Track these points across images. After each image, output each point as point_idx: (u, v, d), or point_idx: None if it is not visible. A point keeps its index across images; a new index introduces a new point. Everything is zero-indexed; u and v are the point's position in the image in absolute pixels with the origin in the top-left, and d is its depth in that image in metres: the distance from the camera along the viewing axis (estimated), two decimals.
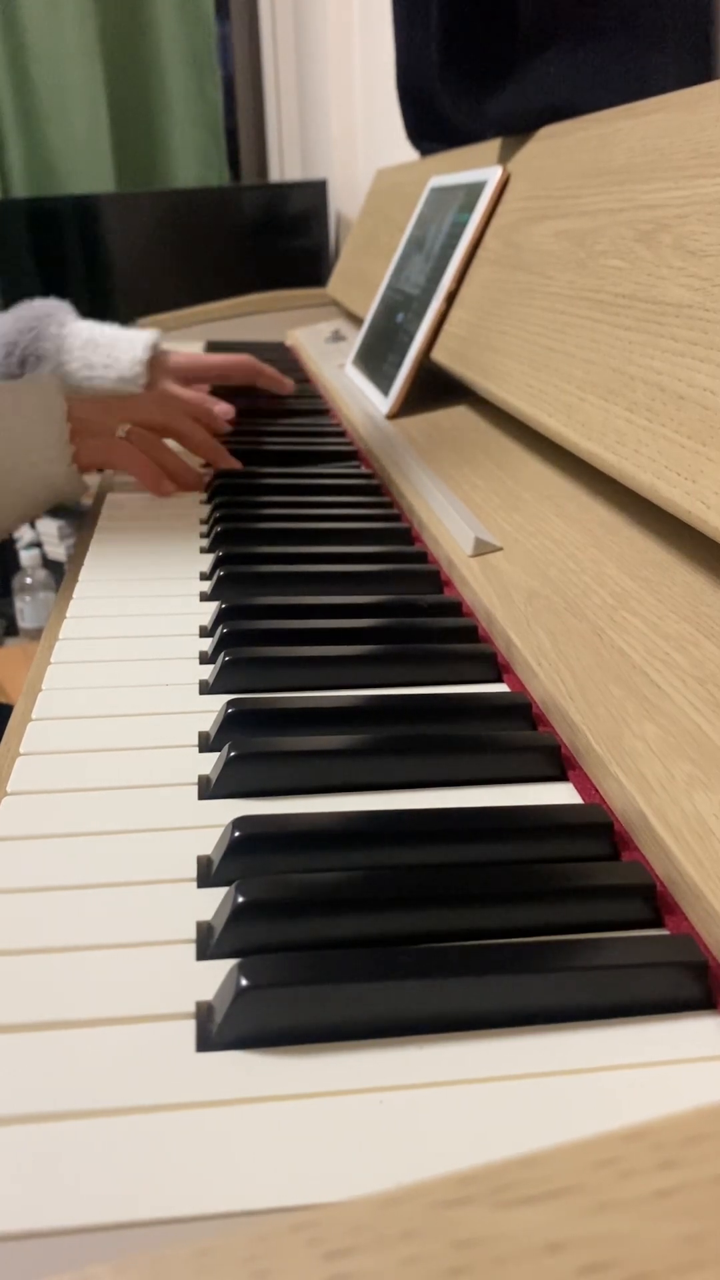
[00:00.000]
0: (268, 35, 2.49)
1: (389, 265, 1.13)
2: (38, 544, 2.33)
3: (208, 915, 0.32)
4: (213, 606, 0.56)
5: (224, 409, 0.96)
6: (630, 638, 0.42)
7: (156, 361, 1.00)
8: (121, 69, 2.43)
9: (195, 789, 0.39)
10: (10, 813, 0.37)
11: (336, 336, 1.37)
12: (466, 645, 0.49)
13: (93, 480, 0.84)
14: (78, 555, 0.66)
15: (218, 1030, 0.27)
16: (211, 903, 0.32)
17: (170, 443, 0.81)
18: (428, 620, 0.53)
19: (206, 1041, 0.27)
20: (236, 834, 0.34)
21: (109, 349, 0.97)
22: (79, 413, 0.74)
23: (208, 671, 0.49)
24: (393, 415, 0.88)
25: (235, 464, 0.81)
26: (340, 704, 0.43)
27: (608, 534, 0.52)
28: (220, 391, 1.14)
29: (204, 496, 0.78)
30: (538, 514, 0.58)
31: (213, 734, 0.42)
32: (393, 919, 0.31)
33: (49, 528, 2.36)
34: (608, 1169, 0.16)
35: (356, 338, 1.14)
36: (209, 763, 0.41)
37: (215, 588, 0.58)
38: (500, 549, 0.56)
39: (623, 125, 0.66)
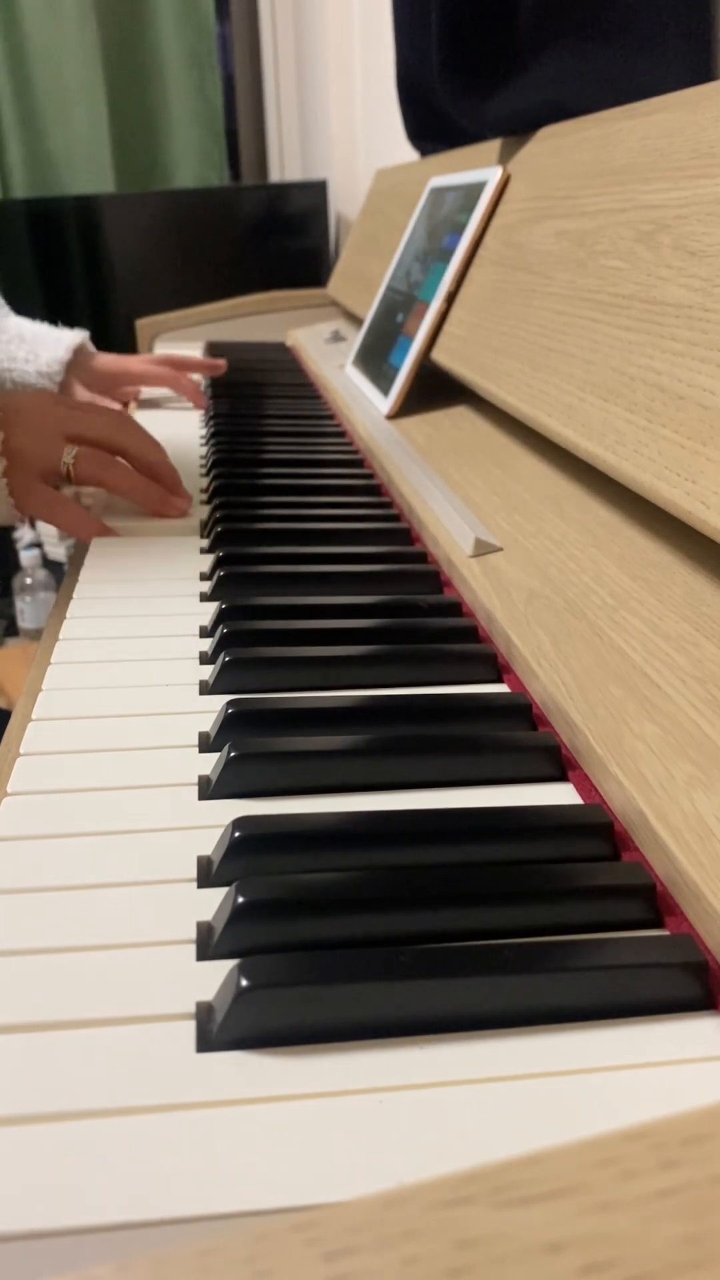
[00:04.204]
0: (268, 35, 2.49)
1: (389, 265, 1.13)
2: (38, 544, 2.33)
3: (208, 915, 0.32)
4: (213, 607, 0.56)
5: (216, 364, 1.04)
6: (630, 638, 0.42)
7: (78, 362, 1.01)
8: (121, 69, 2.42)
9: (195, 789, 0.39)
10: (10, 813, 0.37)
11: (336, 337, 1.37)
12: (466, 645, 0.49)
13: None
14: (78, 555, 0.66)
15: (218, 1030, 0.27)
16: (212, 903, 0.32)
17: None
18: (428, 620, 0.53)
19: (206, 1042, 0.27)
20: (237, 834, 0.34)
21: (33, 344, 0.99)
22: (20, 438, 0.68)
23: (208, 672, 0.49)
24: (393, 415, 0.88)
25: (183, 509, 0.74)
26: (340, 704, 0.43)
27: (608, 534, 0.52)
28: (223, 382, 1.15)
29: (204, 496, 0.78)
30: (538, 514, 0.58)
31: (213, 734, 0.42)
32: (393, 919, 0.31)
33: (49, 527, 2.36)
34: (608, 1169, 0.16)
35: (356, 338, 1.14)
36: (209, 763, 0.41)
37: (215, 588, 0.58)
38: (500, 549, 0.56)
39: (623, 125, 0.66)
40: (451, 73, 0.94)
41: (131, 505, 0.74)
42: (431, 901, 0.31)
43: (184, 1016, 0.28)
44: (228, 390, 1.14)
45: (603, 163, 0.67)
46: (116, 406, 1.02)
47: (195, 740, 0.42)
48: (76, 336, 1.01)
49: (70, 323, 1.06)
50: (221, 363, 1.15)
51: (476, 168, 0.95)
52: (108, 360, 1.07)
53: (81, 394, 1.00)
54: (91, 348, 1.07)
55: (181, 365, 1.12)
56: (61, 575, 2.12)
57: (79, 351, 1.02)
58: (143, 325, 1.57)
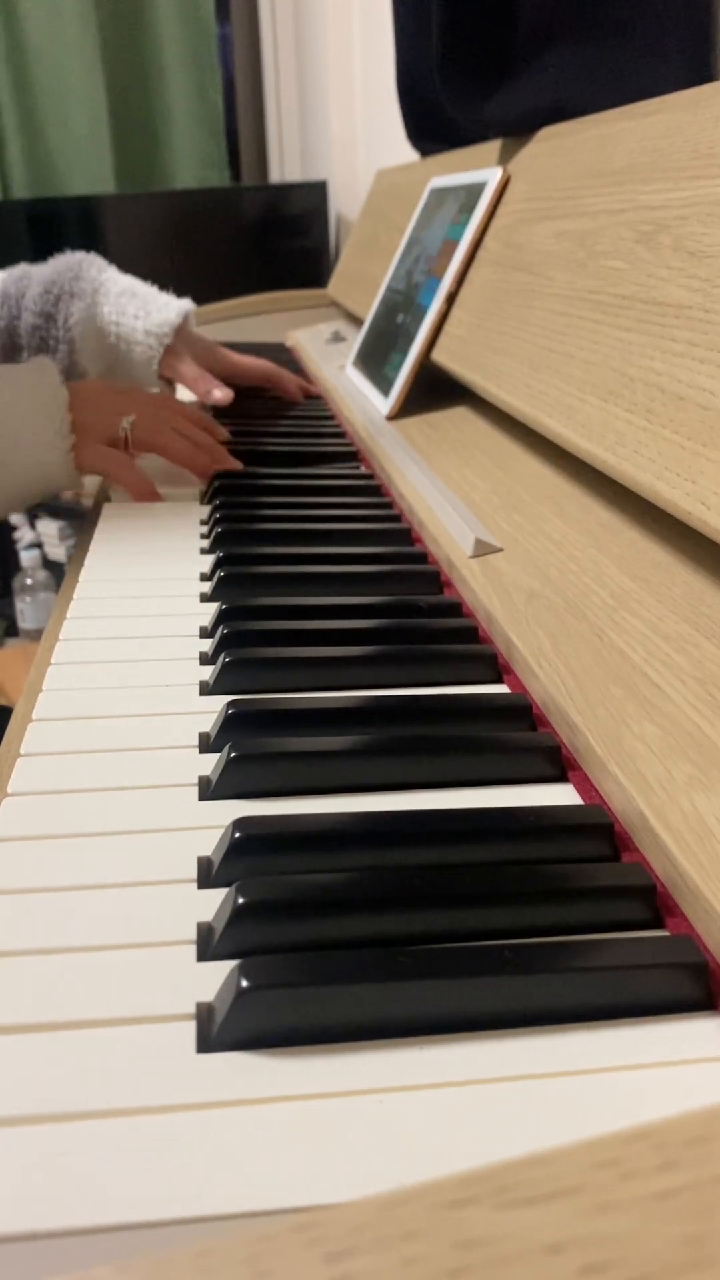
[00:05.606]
0: (268, 35, 2.49)
1: (389, 266, 1.13)
2: (38, 544, 2.33)
3: (208, 916, 0.32)
4: (213, 607, 0.56)
5: (223, 395, 0.97)
6: (630, 638, 0.42)
7: (184, 329, 0.99)
8: (121, 69, 2.42)
9: (195, 790, 0.39)
10: (10, 813, 0.37)
11: (336, 337, 1.37)
12: (466, 646, 0.49)
13: (92, 482, 0.84)
14: (78, 556, 0.66)
15: (218, 1031, 0.27)
16: (212, 904, 0.32)
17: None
18: (428, 621, 0.53)
19: (207, 1043, 0.27)
20: (237, 835, 0.34)
21: (145, 301, 0.97)
22: (81, 412, 0.74)
23: (208, 672, 0.49)
24: (393, 416, 0.88)
25: (235, 464, 0.82)
26: (340, 705, 0.43)
27: (608, 534, 0.52)
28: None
29: (204, 497, 0.78)
30: (538, 514, 0.58)
31: (213, 735, 0.42)
32: (393, 919, 0.31)
33: (49, 528, 2.36)
34: (609, 1170, 0.16)
35: (356, 339, 1.14)
36: (209, 763, 0.41)
37: (215, 588, 0.58)
38: (500, 549, 0.56)
39: (623, 126, 0.66)
40: (451, 73, 0.94)
41: (131, 505, 0.75)
42: (432, 901, 0.31)
43: (184, 1017, 0.28)
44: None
45: (603, 163, 0.67)
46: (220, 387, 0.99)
47: (195, 741, 0.42)
48: (186, 303, 0.99)
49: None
50: (311, 391, 1.11)
51: (476, 168, 0.95)
52: (213, 343, 1.05)
53: (190, 369, 0.98)
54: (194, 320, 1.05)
55: (274, 378, 1.09)
56: (61, 575, 2.12)
57: (188, 319, 1.00)
58: None
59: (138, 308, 0.96)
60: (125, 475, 0.76)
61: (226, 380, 1.02)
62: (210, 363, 1.03)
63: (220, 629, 0.51)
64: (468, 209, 0.89)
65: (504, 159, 0.90)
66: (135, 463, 0.77)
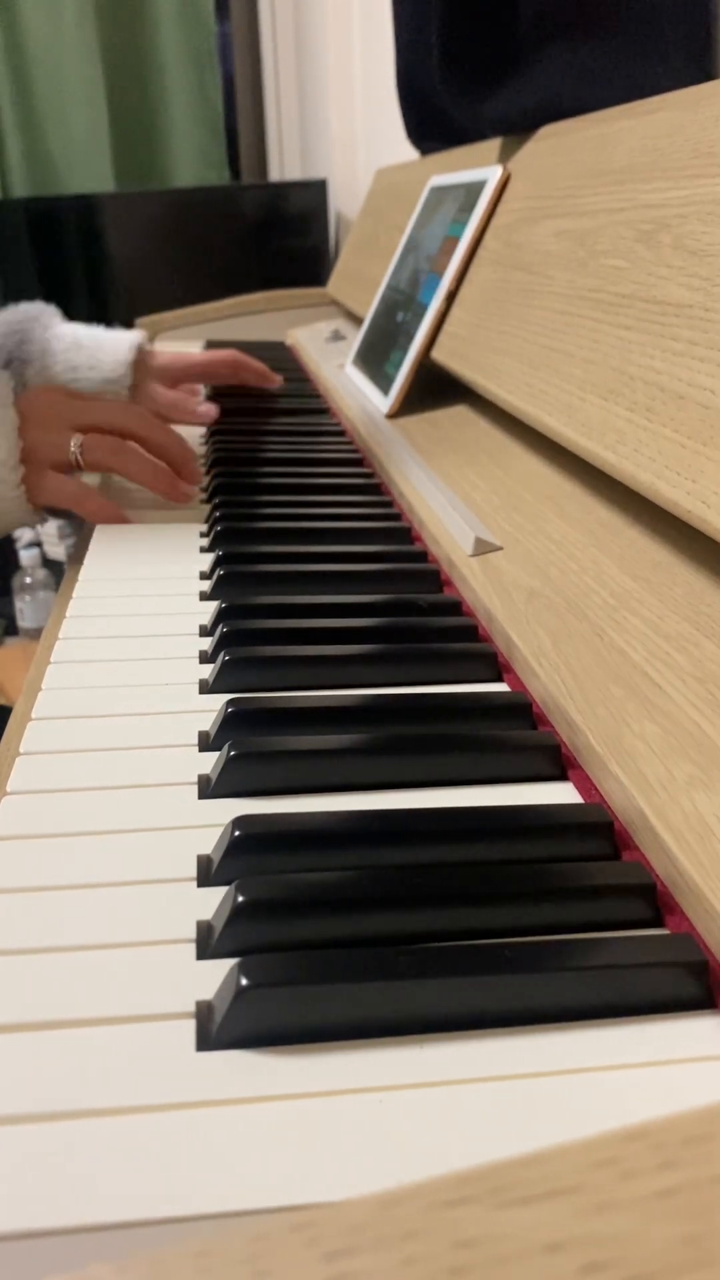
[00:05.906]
0: (268, 35, 2.49)
1: (389, 265, 1.12)
2: (37, 544, 2.33)
3: (208, 915, 0.32)
4: (212, 606, 0.56)
5: (207, 410, 0.97)
6: (631, 638, 0.42)
7: (141, 363, 0.99)
8: (121, 69, 2.42)
9: (195, 788, 0.39)
10: (10, 813, 0.37)
11: (336, 336, 1.37)
12: (466, 645, 0.49)
13: (93, 480, 0.84)
14: (78, 555, 0.66)
15: (218, 1030, 0.27)
16: (211, 902, 0.32)
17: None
18: (428, 620, 0.53)
19: (206, 1041, 0.27)
20: (236, 833, 0.34)
21: (93, 351, 0.95)
22: (31, 431, 0.69)
23: (207, 671, 0.49)
24: (392, 415, 0.88)
25: (189, 494, 0.76)
26: (340, 703, 0.43)
27: (608, 534, 0.52)
28: (217, 388, 1.14)
29: (204, 496, 0.78)
30: (538, 514, 0.58)
31: (213, 733, 0.42)
32: (393, 919, 0.31)
33: (48, 526, 2.36)
34: (608, 1169, 0.16)
35: (356, 337, 1.14)
36: (209, 762, 0.41)
37: (215, 587, 0.58)
38: (500, 549, 0.56)
39: (623, 125, 0.66)
40: (451, 72, 0.94)
41: (133, 501, 0.74)
42: (431, 901, 0.31)
43: (184, 1015, 0.28)
44: (227, 389, 1.13)
45: (603, 162, 0.67)
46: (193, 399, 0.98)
47: (195, 739, 0.42)
48: (136, 335, 0.97)
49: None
50: (278, 379, 1.11)
51: (476, 167, 0.95)
52: (166, 357, 1.05)
53: (162, 394, 0.97)
54: (150, 345, 1.03)
55: (240, 363, 1.09)
56: (61, 574, 2.12)
57: (141, 350, 1.00)
58: (142, 324, 1.56)
59: (87, 359, 0.95)
60: (85, 508, 0.70)
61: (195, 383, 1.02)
62: (178, 379, 1.03)
63: (220, 627, 0.51)
64: (468, 207, 0.89)
65: (504, 157, 0.90)
66: (94, 491, 0.71)
